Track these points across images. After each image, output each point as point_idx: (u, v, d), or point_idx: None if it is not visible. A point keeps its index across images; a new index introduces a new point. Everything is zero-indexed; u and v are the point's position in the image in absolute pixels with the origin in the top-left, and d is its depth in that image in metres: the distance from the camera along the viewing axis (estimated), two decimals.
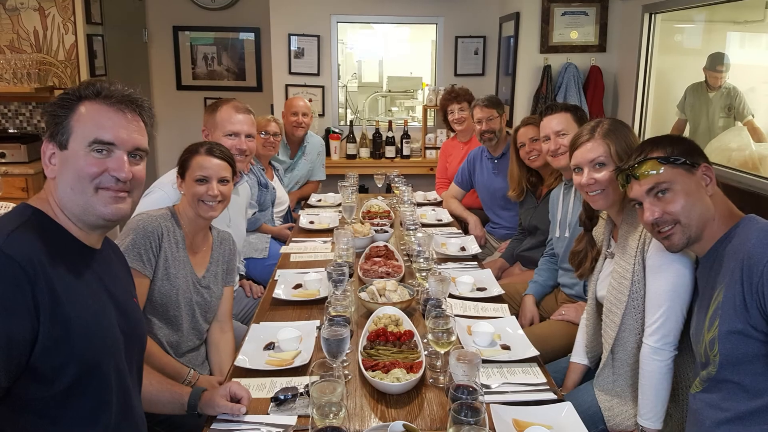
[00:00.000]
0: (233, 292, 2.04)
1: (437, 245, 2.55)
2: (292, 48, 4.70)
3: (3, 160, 3.86)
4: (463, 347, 1.44)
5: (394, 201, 3.37)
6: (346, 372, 1.53)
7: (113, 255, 1.30)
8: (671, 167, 1.37)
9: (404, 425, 1.22)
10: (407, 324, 1.72)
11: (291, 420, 1.37)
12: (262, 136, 3.11)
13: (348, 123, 4.85)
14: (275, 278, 2.24)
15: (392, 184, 3.53)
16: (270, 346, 1.71)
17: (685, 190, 1.37)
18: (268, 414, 1.40)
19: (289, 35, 4.67)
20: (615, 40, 3.92)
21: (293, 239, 2.80)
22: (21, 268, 0.99)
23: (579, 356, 1.82)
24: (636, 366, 1.55)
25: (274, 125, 3.21)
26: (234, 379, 1.50)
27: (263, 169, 3.11)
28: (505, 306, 2.02)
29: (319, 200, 3.60)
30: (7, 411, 1.03)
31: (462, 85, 3.89)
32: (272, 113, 4.51)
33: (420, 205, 3.42)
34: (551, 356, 1.95)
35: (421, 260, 2.01)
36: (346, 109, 5.33)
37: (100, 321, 1.12)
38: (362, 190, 4.24)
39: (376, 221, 2.87)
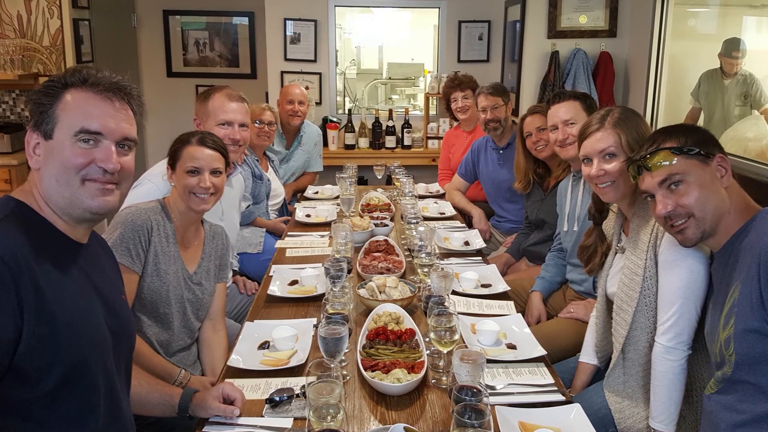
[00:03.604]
0: (226, 289, 2.02)
1: (440, 240, 2.52)
2: (288, 33, 4.65)
3: None
4: (466, 346, 1.45)
5: (395, 193, 3.35)
6: (345, 372, 1.51)
7: (101, 250, 1.29)
8: (685, 158, 1.35)
9: (405, 428, 1.20)
10: (408, 322, 1.70)
11: (287, 422, 1.35)
12: (256, 125, 3.09)
13: (346, 112, 4.82)
14: (270, 274, 2.22)
15: (393, 176, 3.52)
16: (265, 346, 1.69)
17: (699, 181, 1.35)
18: (262, 416, 1.37)
19: (285, 20, 4.62)
20: (626, 25, 3.87)
21: (289, 233, 2.78)
22: (4, 264, 0.98)
23: (588, 356, 1.80)
24: (648, 366, 1.53)
25: (269, 114, 3.19)
26: (227, 380, 1.49)
27: (258, 160, 3.08)
28: (511, 303, 2.00)
29: (316, 192, 3.58)
30: None
31: (466, 72, 3.89)
32: (267, 101, 4.50)
33: (422, 197, 3.40)
34: (559, 356, 1.94)
35: (423, 255, 1.99)
36: (344, 97, 5.31)
37: (87, 319, 1.11)
38: (361, 181, 4.23)
39: (375, 214, 2.85)
